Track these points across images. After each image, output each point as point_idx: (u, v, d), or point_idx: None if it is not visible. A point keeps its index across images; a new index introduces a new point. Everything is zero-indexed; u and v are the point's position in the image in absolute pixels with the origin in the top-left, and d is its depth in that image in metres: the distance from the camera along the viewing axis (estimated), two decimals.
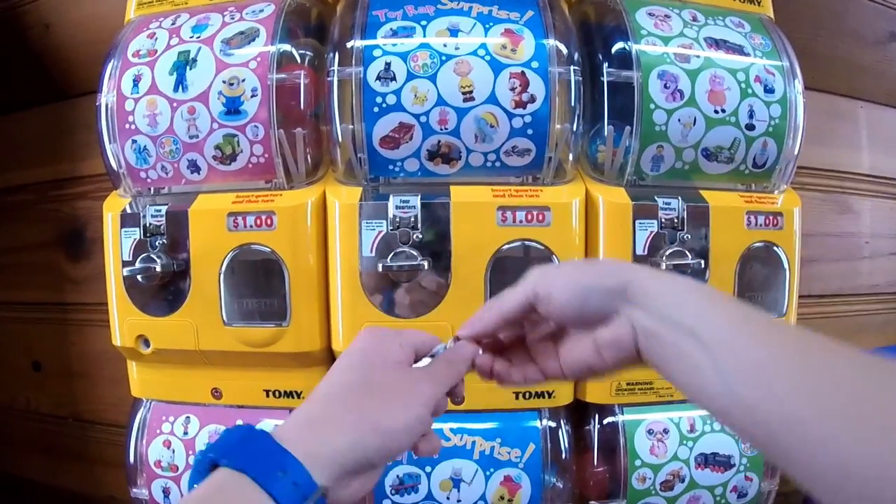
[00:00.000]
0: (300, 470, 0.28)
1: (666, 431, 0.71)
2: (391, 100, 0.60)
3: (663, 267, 0.63)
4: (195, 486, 0.29)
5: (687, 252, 0.64)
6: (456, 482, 0.66)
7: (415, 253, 0.60)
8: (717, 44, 0.68)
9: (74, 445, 1.04)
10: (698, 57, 0.66)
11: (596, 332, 0.34)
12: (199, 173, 0.65)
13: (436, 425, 0.66)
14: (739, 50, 0.68)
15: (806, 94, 0.69)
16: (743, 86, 0.66)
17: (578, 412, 0.72)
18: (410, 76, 0.60)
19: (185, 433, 0.70)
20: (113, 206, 0.69)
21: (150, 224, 0.66)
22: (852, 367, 0.23)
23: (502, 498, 0.67)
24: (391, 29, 0.62)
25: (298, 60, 0.65)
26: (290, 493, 0.28)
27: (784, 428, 0.22)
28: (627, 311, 0.32)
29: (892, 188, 1.08)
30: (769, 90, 0.67)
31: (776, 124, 0.67)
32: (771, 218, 0.68)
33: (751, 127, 0.67)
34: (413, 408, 0.33)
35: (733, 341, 0.26)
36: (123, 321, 0.68)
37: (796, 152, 0.69)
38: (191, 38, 0.65)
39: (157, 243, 0.66)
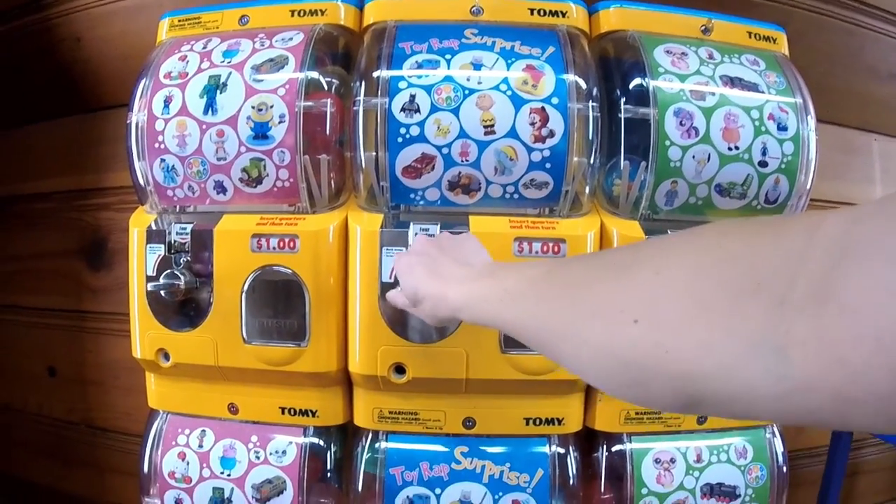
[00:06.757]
0: None
1: (673, 461, 0.72)
2: (415, 131, 0.62)
3: None
4: None
5: None
6: None
7: None
8: (732, 81, 0.69)
9: (84, 451, 1.05)
10: (713, 94, 0.67)
11: None
12: (225, 194, 0.67)
13: (446, 448, 0.68)
14: (754, 87, 0.69)
15: (819, 127, 0.70)
16: (757, 123, 0.67)
17: (587, 439, 0.73)
18: (434, 108, 0.62)
19: (200, 446, 0.72)
20: (139, 222, 0.70)
21: (175, 241, 0.68)
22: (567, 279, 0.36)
23: None
24: (416, 62, 0.64)
25: (325, 88, 0.67)
26: None
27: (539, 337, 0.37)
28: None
29: None
30: (782, 128, 0.68)
31: (789, 161, 0.68)
32: None
33: (763, 164, 0.68)
34: None
35: (509, 319, 0.40)
36: (145, 334, 0.70)
37: (808, 188, 0.70)
38: (221, 62, 0.67)
39: (181, 260, 0.68)
